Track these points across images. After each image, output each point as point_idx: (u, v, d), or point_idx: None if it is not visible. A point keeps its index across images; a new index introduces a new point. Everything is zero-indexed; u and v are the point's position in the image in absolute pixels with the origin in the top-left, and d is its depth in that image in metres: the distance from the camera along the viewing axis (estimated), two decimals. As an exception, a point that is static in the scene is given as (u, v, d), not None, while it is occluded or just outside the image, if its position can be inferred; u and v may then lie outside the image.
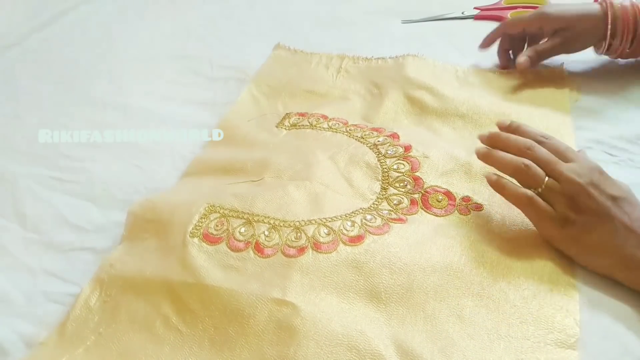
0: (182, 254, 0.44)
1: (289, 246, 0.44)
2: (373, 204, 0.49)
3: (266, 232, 0.45)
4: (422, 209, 0.48)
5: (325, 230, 0.45)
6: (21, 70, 0.77)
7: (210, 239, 0.45)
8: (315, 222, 0.46)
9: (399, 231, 0.46)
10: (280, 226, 0.46)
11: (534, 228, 0.45)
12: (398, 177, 0.51)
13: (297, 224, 0.46)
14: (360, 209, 0.48)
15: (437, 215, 0.48)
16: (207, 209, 0.48)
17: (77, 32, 0.86)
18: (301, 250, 0.44)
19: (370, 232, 0.46)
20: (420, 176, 0.51)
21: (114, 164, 0.60)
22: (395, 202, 0.49)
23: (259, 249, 0.44)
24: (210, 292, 0.42)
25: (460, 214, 0.48)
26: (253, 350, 0.39)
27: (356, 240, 0.45)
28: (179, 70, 0.75)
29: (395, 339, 0.39)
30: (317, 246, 0.44)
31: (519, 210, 0.46)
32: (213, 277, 0.42)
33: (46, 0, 0.92)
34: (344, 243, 0.44)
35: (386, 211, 0.48)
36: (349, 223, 0.46)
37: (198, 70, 0.74)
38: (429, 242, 0.45)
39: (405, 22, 0.83)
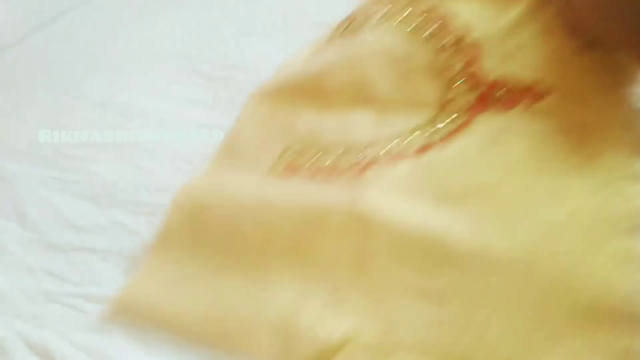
0: (260, 183, 0.49)
1: (356, 166, 0.46)
2: (434, 114, 0.48)
3: (335, 157, 0.48)
4: (484, 108, 0.46)
5: (390, 146, 0.47)
6: (21, 70, 0.77)
7: (287, 172, 0.49)
8: (380, 139, 0.47)
9: (463, 137, 0.46)
10: (349, 149, 0.48)
11: (602, 119, 0.44)
12: (456, 75, 0.48)
13: (363, 144, 0.48)
14: (422, 122, 0.48)
15: (499, 112, 0.46)
16: (284, 148, 0.51)
17: (77, 32, 0.86)
18: (368, 166, 0.46)
19: (434, 143, 0.46)
20: (479, 69, 0.48)
21: (114, 164, 0.60)
22: (455, 106, 0.47)
23: (329, 173, 0.47)
24: (287, 208, 0.46)
25: (524, 107, 0.45)
26: (330, 253, 0.42)
27: (421, 151, 0.46)
28: (179, 70, 0.75)
29: (468, 232, 0.40)
30: (383, 161, 0.46)
31: (586, 98, 0.44)
32: (290, 198, 0.46)
33: (46, 0, 0.92)
34: (409, 156, 0.46)
35: (448, 119, 0.47)
36: (413, 136, 0.47)
37: (198, 70, 0.74)
38: (492, 143, 0.44)
39: (405, 22, 0.82)
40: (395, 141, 0.47)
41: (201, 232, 0.48)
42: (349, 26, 0.58)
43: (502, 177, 0.42)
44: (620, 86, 0.45)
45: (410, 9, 0.53)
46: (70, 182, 0.58)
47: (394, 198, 0.43)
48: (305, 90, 0.55)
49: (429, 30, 0.50)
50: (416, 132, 0.47)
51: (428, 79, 0.49)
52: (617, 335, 0.36)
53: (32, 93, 0.72)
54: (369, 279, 0.41)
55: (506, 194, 0.42)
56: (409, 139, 0.46)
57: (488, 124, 0.46)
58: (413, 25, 0.52)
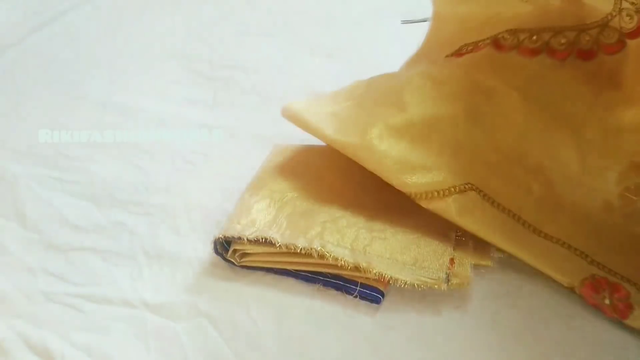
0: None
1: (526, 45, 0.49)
2: (608, 14, 0.45)
3: (527, 38, 0.49)
4: None
5: (563, 40, 0.47)
6: (21, 70, 0.77)
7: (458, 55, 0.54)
8: (553, 29, 0.48)
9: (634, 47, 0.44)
10: (540, 31, 0.49)
11: None
12: None
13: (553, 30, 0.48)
14: (597, 21, 0.46)
15: None
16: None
17: (77, 32, 0.86)
18: (535, 51, 0.49)
19: (602, 50, 0.45)
20: None
21: (114, 164, 0.60)
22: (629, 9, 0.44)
23: (522, 50, 0.50)
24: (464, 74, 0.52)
25: None
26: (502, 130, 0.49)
27: (588, 55, 0.46)
28: (179, 70, 0.75)
29: None
30: (551, 53, 0.48)
31: None
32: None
33: (46, 0, 0.93)
34: (575, 56, 0.46)
35: (626, 18, 0.44)
36: (586, 34, 0.46)
37: (198, 70, 0.74)
38: None
39: (405, 22, 0.82)
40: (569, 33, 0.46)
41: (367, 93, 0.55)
42: None
43: None
44: None
45: None
46: (70, 182, 0.58)
47: None
48: None
49: None
50: (590, 31, 0.46)
51: None
52: None
53: (32, 93, 0.72)
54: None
55: None
56: (580, 37, 0.46)
57: None
58: None
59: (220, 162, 0.60)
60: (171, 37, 0.83)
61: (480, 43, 0.53)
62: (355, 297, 0.45)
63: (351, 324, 0.44)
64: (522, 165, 0.49)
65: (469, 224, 0.47)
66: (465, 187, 0.48)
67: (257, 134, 0.62)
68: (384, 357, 0.42)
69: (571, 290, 0.44)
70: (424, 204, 0.47)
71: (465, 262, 0.45)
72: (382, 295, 0.44)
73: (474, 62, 0.53)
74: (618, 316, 0.42)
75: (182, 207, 0.54)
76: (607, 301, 0.42)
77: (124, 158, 0.61)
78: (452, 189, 0.48)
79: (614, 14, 0.45)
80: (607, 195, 0.45)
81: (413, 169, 0.48)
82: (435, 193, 0.47)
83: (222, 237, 0.46)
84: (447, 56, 0.55)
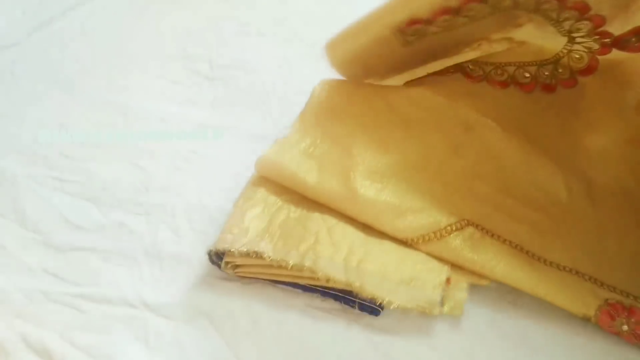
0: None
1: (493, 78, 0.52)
2: (557, 54, 0.48)
3: (493, 70, 0.53)
4: (610, 50, 0.45)
5: (527, 74, 0.51)
6: (21, 70, 0.77)
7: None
8: (515, 63, 0.51)
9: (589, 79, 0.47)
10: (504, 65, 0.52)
11: None
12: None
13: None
14: (549, 58, 0.49)
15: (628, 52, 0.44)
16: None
17: (77, 32, 0.86)
18: (504, 84, 0.52)
19: (560, 84, 0.49)
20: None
21: (114, 164, 0.60)
22: (580, 48, 0.47)
23: (492, 81, 0.53)
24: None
25: None
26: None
27: (550, 88, 0.49)
28: (179, 70, 0.75)
29: None
30: (519, 85, 0.51)
31: None
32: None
33: (46, 0, 0.92)
34: (540, 89, 0.49)
35: (575, 57, 0.48)
36: (543, 69, 0.49)
37: (198, 70, 0.74)
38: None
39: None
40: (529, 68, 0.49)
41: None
42: None
43: None
44: None
45: None
46: (70, 182, 0.58)
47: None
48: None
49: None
50: (546, 67, 0.49)
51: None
52: None
53: (32, 93, 0.72)
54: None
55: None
56: (540, 72, 0.49)
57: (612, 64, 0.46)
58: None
59: (221, 162, 0.60)
60: (171, 37, 0.83)
61: (444, 70, 0.53)
62: (354, 308, 0.44)
63: (351, 323, 0.44)
64: (510, 195, 0.48)
65: (473, 262, 0.44)
66: (462, 224, 0.46)
67: (257, 134, 0.62)
68: (384, 356, 0.42)
69: (587, 320, 0.42)
70: (422, 248, 0.46)
71: (462, 283, 0.44)
72: (382, 307, 0.44)
73: (447, 89, 0.53)
74: (638, 341, 0.40)
75: (182, 207, 0.54)
76: (625, 327, 0.40)
77: (124, 158, 0.60)
78: (449, 228, 0.46)
79: (561, 54, 0.48)
80: (597, 216, 0.46)
81: (403, 214, 0.47)
82: (432, 235, 0.46)
83: (214, 249, 0.46)
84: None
